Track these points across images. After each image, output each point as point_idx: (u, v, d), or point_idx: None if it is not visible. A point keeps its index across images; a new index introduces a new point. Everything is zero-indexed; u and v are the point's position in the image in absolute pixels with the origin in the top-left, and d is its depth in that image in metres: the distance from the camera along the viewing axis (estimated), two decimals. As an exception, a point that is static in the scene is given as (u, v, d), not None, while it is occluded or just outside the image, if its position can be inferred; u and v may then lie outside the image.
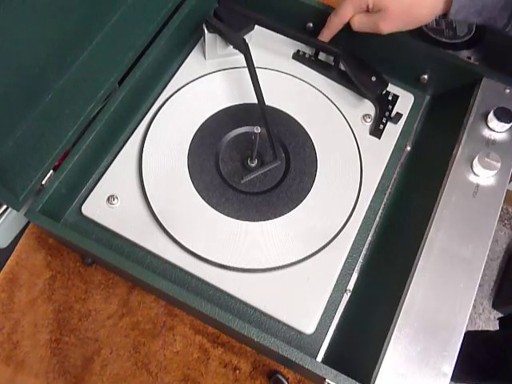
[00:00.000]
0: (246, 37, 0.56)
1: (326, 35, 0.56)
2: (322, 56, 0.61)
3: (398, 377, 0.40)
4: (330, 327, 0.49)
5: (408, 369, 0.40)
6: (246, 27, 0.56)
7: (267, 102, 0.54)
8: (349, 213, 0.52)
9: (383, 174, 0.55)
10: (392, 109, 0.57)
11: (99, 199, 0.52)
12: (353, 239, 0.52)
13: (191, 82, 0.58)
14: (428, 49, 0.56)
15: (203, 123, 0.56)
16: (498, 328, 1.10)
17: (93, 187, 0.53)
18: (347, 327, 0.49)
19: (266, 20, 0.57)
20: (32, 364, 0.51)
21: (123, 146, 0.55)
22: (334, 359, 0.47)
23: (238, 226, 0.51)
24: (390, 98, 0.58)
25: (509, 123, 0.49)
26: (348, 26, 0.53)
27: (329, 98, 0.58)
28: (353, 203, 0.53)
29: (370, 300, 0.49)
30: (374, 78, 0.55)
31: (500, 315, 1.26)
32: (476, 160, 0.47)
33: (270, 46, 0.61)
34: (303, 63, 0.61)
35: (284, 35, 0.57)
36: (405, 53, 0.57)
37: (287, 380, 0.51)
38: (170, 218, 0.51)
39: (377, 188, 0.54)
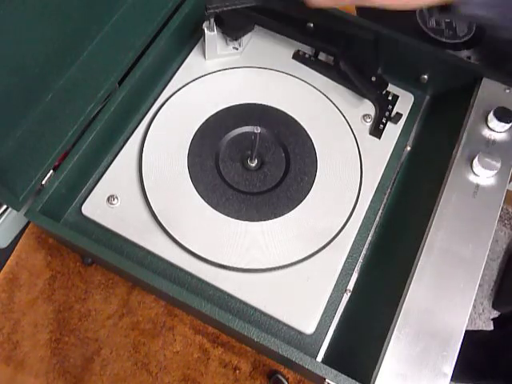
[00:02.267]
0: (246, 37, 0.56)
1: None
2: (322, 56, 0.61)
3: (397, 377, 0.40)
4: (330, 327, 0.49)
5: (408, 369, 0.40)
6: (246, 27, 0.56)
7: (267, 102, 0.54)
8: (349, 213, 0.52)
9: (383, 174, 0.55)
10: (392, 109, 0.57)
11: (99, 199, 0.52)
12: (353, 239, 0.51)
13: (191, 82, 0.58)
14: (428, 49, 0.56)
15: (203, 123, 0.56)
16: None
17: (93, 187, 0.53)
18: (347, 327, 0.49)
19: (266, 20, 0.57)
20: (32, 364, 0.51)
21: (123, 145, 0.55)
22: (334, 359, 0.47)
23: (238, 226, 0.51)
24: (389, 97, 0.58)
25: (509, 123, 0.49)
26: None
27: (329, 98, 0.58)
28: (353, 203, 0.53)
29: (370, 300, 0.49)
30: (373, 78, 0.55)
31: (499, 315, 1.26)
32: (476, 160, 0.47)
33: (270, 46, 0.61)
34: (303, 63, 0.61)
35: (284, 35, 0.58)
36: (405, 53, 0.57)
37: (287, 380, 0.51)
38: (169, 218, 0.51)
39: (377, 188, 0.54)
